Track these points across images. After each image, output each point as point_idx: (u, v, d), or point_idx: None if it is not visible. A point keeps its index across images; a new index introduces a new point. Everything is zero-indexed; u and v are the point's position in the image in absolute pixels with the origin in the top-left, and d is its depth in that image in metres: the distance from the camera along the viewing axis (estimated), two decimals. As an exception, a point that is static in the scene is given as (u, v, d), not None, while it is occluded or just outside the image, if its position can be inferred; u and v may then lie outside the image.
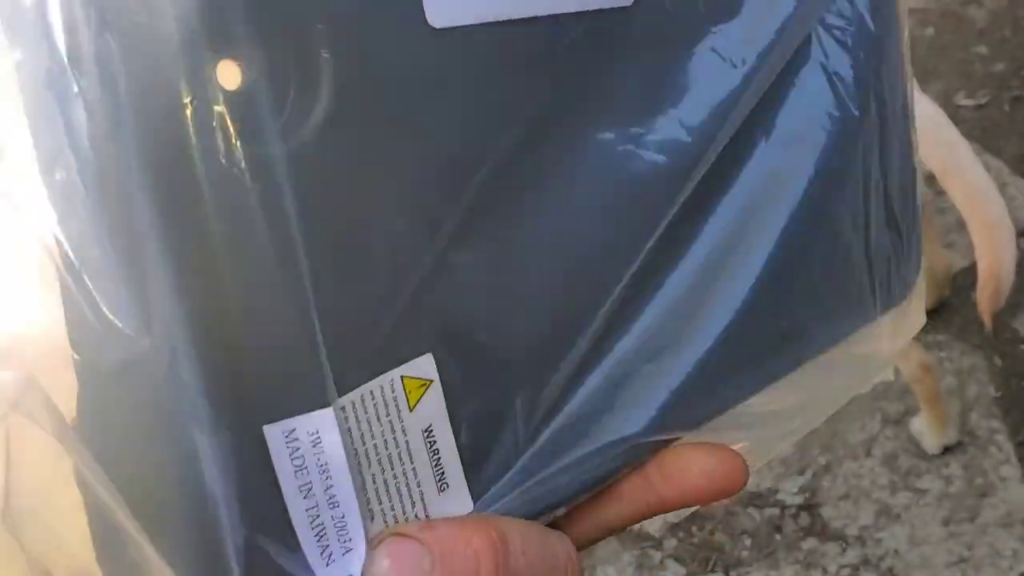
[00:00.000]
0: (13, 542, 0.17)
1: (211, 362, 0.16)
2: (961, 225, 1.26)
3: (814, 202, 0.26)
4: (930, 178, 1.31)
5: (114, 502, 0.17)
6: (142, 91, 0.15)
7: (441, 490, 0.20)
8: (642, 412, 0.22)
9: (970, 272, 1.22)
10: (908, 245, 0.29)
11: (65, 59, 0.15)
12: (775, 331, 0.25)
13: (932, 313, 1.21)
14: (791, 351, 0.26)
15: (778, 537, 1.10)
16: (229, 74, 0.16)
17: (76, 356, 0.17)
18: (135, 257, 0.16)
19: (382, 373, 0.19)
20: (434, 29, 0.19)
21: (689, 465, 0.23)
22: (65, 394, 0.17)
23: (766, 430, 0.27)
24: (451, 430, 0.20)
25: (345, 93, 0.17)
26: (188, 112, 0.16)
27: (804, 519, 1.11)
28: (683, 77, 0.23)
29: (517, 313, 0.21)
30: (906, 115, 0.29)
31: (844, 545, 1.07)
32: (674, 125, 0.23)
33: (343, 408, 0.18)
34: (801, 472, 1.14)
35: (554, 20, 0.21)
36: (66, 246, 0.16)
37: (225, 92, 0.16)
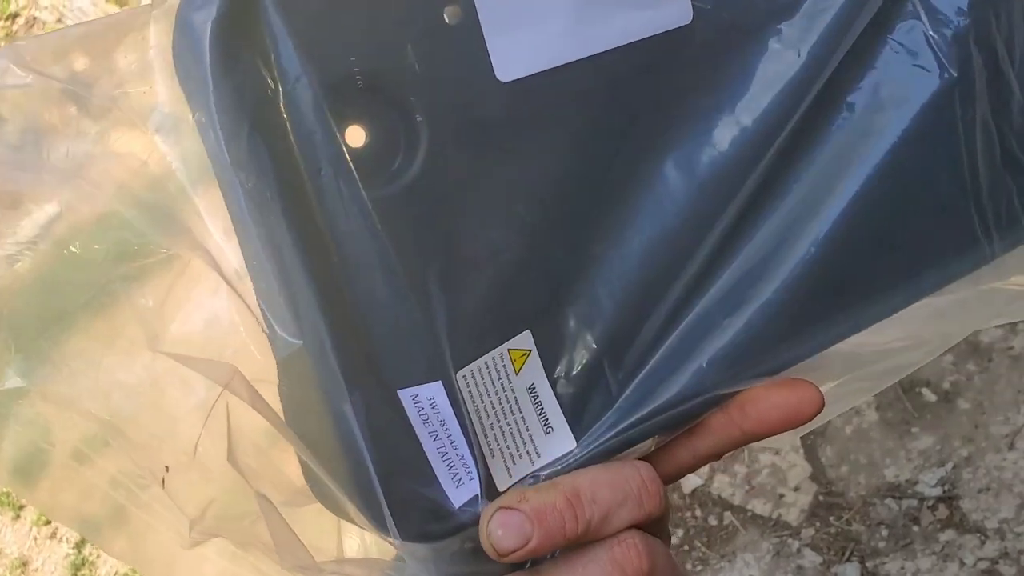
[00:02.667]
0: (238, 476, 0.24)
1: (346, 351, 0.23)
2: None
3: (902, 159, 0.27)
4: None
5: (300, 449, 0.24)
6: (283, 172, 0.22)
7: (547, 432, 0.25)
8: (720, 362, 0.26)
9: None
10: None
11: (228, 161, 0.21)
12: (858, 281, 0.27)
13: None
14: (884, 297, 0.27)
15: (916, 528, 1.13)
16: (354, 136, 0.22)
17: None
18: (290, 284, 0.22)
19: (492, 349, 0.25)
20: (502, 83, 0.23)
21: (763, 400, 0.26)
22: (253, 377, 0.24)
23: (878, 367, 0.29)
24: (550, 386, 0.25)
25: (439, 143, 0.23)
26: (322, 175, 0.22)
27: (942, 511, 1.13)
28: (743, 74, 0.26)
29: (603, 288, 0.25)
30: None
31: (983, 538, 1.09)
32: (736, 118, 0.25)
33: (464, 377, 0.24)
34: (941, 464, 1.16)
35: (618, 51, 0.24)
36: (253, 282, 0.23)
37: (351, 149, 0.22)
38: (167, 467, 0.24)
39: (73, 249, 0.23)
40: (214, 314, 0.24)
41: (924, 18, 0.27)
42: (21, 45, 0.21)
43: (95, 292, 0.23)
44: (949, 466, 1.16)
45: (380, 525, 0.23)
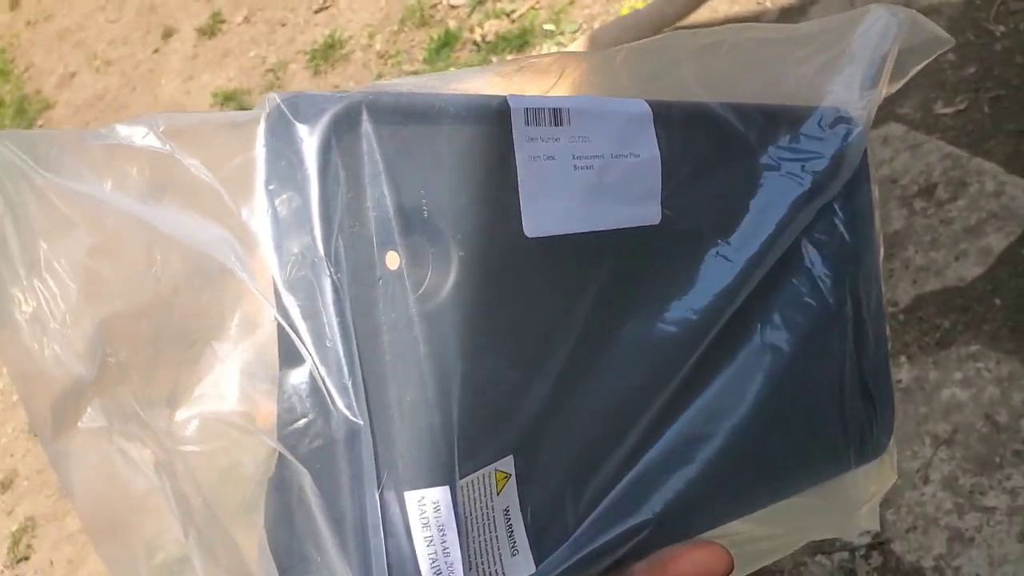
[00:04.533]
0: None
1: (383, 443, 0.24)
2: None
3: (796, 371, 0.34)
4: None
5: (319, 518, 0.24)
6: (354, 272, 0.24)
7: (513, 554, 0.27)
8: (656, 508, 0.30)
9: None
10: (881, 414, 0.37)
11: (322, 253, 0.24)
12: (760, 467, 0.33)
13: (960, 325, 1.20)
14: (774, 486, 0.34)
15: (854, 582, 1.06)
16: (392, 261, 0.25)
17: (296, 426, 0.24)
18: (355, 369, 0.24)
19: (484, 466, 0.27)
20: (527, 238, 0.28)
21: (683, 557, 0.30)
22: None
23: (748, 548, 0.34)
24: (521, 511, 0.28)
25: (464, 278, 0.26)
26: (380, 283, 0.25)
27: (876, 558, 1.07)
28: (694, 273, 0.32)
29: (572, 434, 0.29)
30: (880, 311, 0.37)
31: (924, 579, 1.04)
32: (686, 307, 0.31)
33: (461, 487, 0.26)
34: (862, 510, 1.11)
35: (603, 233, 0.30)
36: (321, 370, 0.24)
37: (389, 275, 0.25)
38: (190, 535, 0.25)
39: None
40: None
41: (814, 263, 0.35)
42: (158, 115, 0.24)
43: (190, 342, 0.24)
44: (871, 510, 1.10)
45: None
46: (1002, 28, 1.43)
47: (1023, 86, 1.36)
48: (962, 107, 1.38)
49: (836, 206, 0.36)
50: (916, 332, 1.22)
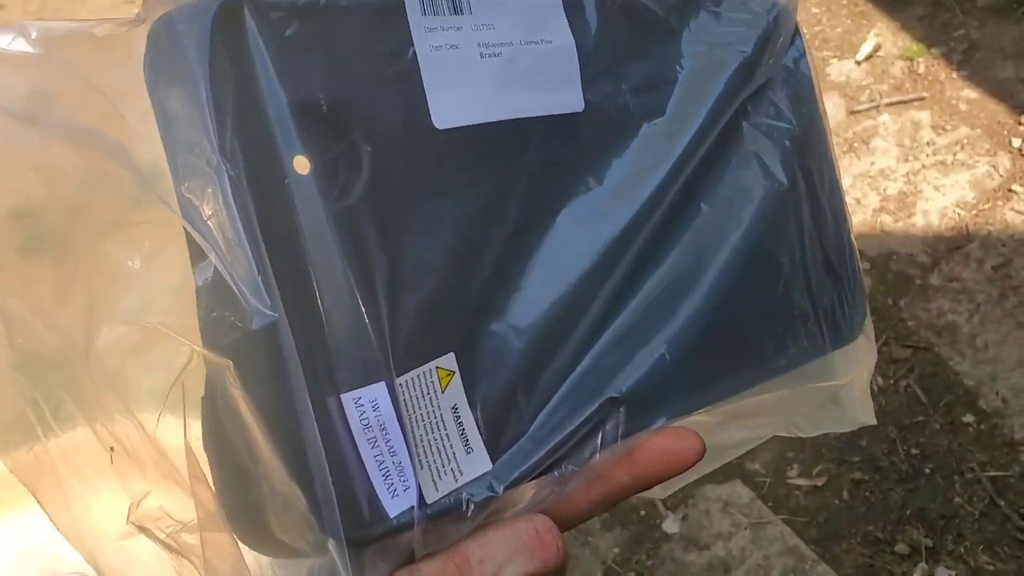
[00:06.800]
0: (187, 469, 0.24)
1: (307, 337, 0.24)
2: None
3: (752, 248, 0.33)
4: None
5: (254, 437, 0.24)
6: (254, 171, 0.24)
7: (468, 452, 0.27)
8: (615, 393, 0.29)
9: None
10: (851, 291, 0.36)
11: (217, 150, 0.24)
12: (726, 349, 0.32)
13: None
14: (744, 371, 0.32)
15: None
16: (301, 166, 0.25)
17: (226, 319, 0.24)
18: (263, 265, 0.24)
19: (423, 365, 0.26)
20: (438, 129, 0.28)
21: (650, 446, 0.29)
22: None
23: (718, 439, 0.32)
24: (470, 408, 0.27)
25: (378, 174, 0.26)
26: (287, 183, 0.25)
27: None
28: (628, 156, 0.31)
29: (517, 326, 0.29)
30: (835, 190, 0.36)
31: None
32: (625, 190, 0.31)
33: (400, 384, 0.26)
34: None
35: (525, 121, 0.30)
36: (228, 265, 0.24)
37: (299, 176, 0.25)
38: (112, 447, 0.24)
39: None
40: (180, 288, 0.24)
41: (760, 146, 0.34)
42: (29, 23, 0.24)
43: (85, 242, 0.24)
44: None
45: (328, 525, 0.24)
46: (879, 380, 1.24)
47: (890, 469, 1.16)
48: (819, 483, 1.16)
49: (773, 88, 0.35)
50: None
